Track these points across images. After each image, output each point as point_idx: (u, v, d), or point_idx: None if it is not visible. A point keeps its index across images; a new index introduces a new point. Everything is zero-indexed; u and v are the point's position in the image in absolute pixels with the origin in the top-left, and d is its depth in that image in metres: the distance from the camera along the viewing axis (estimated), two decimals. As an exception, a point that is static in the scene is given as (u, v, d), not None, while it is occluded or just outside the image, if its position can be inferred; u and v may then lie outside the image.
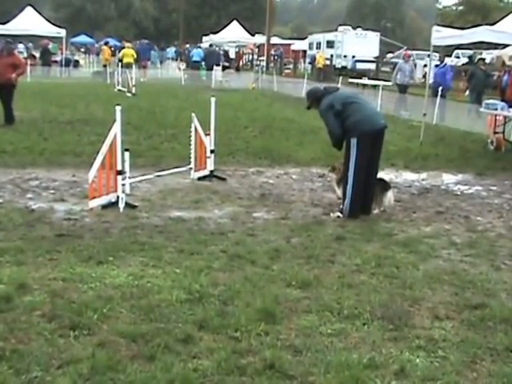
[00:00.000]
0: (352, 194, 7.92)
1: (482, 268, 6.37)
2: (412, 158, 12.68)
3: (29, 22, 36.04)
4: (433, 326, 4.92)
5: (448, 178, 11.11)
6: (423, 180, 10.86)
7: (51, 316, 4.79)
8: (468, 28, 14.98)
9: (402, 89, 22.57)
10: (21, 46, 42.59)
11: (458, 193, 10.03)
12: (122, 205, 8.07)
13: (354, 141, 7.84)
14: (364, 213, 8.10)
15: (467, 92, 20.64)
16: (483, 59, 22.85)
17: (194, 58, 37.14)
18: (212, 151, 10.14)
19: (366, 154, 7.89)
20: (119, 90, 25.75)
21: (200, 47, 39.18)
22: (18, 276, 5.53)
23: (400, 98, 22.65)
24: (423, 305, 5.34)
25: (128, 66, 29.17)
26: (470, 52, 40.38)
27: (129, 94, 24.11)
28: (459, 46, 36.68)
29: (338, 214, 8.10)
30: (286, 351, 4.40)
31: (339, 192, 8.48)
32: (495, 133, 14.60)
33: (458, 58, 44.31)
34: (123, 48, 35.36)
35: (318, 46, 47.37)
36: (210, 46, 38.11)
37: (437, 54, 28.32)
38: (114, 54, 38.19)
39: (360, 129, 7.84)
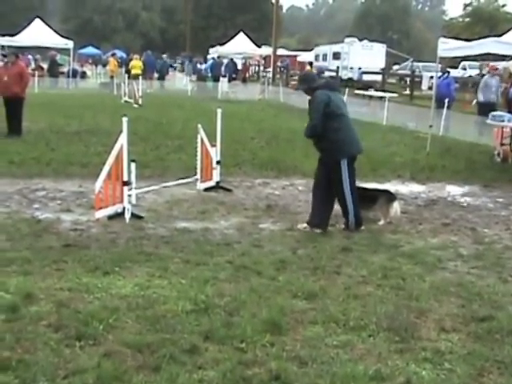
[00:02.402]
0: (353, 208, 7.94)
1: (488, 280, 6.35)
2: (418, 170, 12.66)
3: (37, 33, 36.21)
4: (439, 338, 4.91)
5: (454, 190, 11.09)
6: (429, 191, 10.85)
7: (57, 326, 4.80)
8: (475, 39, 15.00)
9: (487, 109, 16.92)
10: (29, 58, 42.75)
11: (465, 204, 10.01)
12: (128, 215, 8.09)
13: (344, 162, 7.80)
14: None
15: (474, 102, 20.53)
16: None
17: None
18: (218, 162, 10.15)
19: (353, 172, 7.96)
20: (126, 101, 25.85)
21: (213, 58, 39.28)
22: (25, 286, 5.55)
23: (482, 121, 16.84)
24: (429, 317, 5.32)
25: (136, 77, 29.34)
26: (476, 64, 40.39)
27: (135, 105, 24.18)
28: (466, 58, 36.71)
29: (343, 226, 8.11)
30: (291, 362, 4.39)
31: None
32: (502, 144, 14.57)
33: (465, 69, 44.33)
34: (131, 60, 35.63)
35: (325, 57, 47.43)
36: (218, 57, 38.26)
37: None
38: (120, 66, 38.35)
39: (349, 150, 7.90)
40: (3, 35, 35.95)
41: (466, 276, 6.46)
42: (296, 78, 50.41)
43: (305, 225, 8.02)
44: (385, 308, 5.41)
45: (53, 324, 4.84)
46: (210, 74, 36.19)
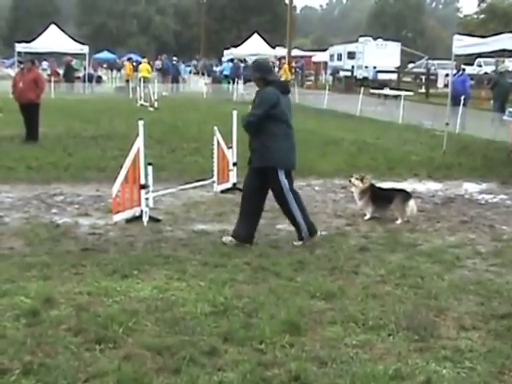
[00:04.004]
0: (303, 219, 7.35)
1: (508, 277, 6.31)
2: (435, 168, 12.61)
3: (53, 39, 36.54)
4: (459, 337, 4.88)
5: (472, 187, 11.03)
6: (447, 189, 10.80)
7: (77, 330, 4.83)
8: (490, 36, 14.89)
9: None
10: (45, 64, 43.10)
11: (483, 202, 9.95)
12: (145, 218, 8.13)
13: (281, 174, 7.24)
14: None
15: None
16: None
17: (225, 72, 37.49)
18: (234, 164, 10.17)
19: (291, 182, 7.40)
20: (141, 105, 25.95)
21: (232, 60, 39.37)
22: (45, 290, 5.59)
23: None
24: (449, 315, 5.30)
25: (144, 80, 29.63)
26: (492, 60, 40.16)
27: (151, 109, 24.28)
28: (481, 55, 36.51)
29: (299, 242, 7.37)
30: (311, 363, 4.38)
31: (360, 203, 8.62)
32: (519, 141, 14.48)
33: (480, 66, 44.08)
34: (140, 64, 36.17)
35: (339, 57, 47.36)
36: (240, 60, 38.38)
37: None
38: (136, 70, 38.62)
39: (286, 161, 7.33)
40: (19, 42, 36.31)
41: (485, 274, 6.43)
42: (311, 78, 50.54)
43: (230, 238, 7.34)
44: (404, 307, 5.40)
45: (73, 328, 4.87)
46: (228, 76, 36.25)
